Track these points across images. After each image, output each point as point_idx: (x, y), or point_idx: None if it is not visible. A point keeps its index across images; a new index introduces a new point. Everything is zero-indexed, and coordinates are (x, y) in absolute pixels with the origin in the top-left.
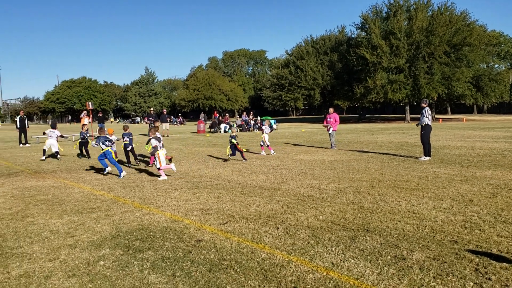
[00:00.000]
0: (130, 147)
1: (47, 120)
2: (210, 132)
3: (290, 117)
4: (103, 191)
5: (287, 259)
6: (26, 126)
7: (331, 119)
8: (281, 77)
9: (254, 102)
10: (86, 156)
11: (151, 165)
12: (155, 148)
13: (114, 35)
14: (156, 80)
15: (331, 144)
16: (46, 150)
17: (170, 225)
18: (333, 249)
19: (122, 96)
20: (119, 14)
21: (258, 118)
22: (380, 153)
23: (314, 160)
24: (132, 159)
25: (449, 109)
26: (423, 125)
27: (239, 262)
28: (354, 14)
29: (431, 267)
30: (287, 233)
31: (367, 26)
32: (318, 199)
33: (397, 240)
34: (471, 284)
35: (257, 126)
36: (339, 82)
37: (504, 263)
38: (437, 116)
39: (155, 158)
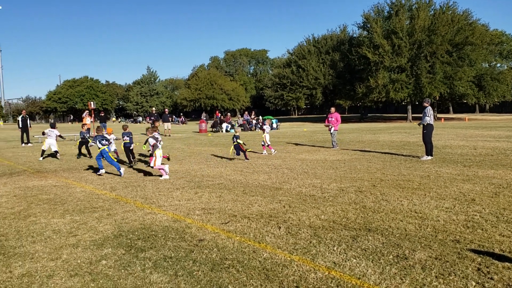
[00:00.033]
0: (132, 146)
1: (49, 120)
2: (212, 131)
3: (292, 116)
4: (105, 191)
5: (289, 258)
6: (28, 125)
7: (333, 119)
8: (282, 76)
9: (256, 101)
10: (88, 156)
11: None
12: (154, 147)
13: (116, 35)
14: (158, 80)
15: (332, 143)
16: (46, 150)
17: (172, 224)
18: (335, 248)
19: (124, 95)
20: (121, 14)
21: (260, 117)
22: (382, 153)
23: (316, 160)
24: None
25: (451, 108)
26: (425, 124)
27: (241, 262)
28: (356, 14)
29: (433, 266)
30: (289, 232)
31: (369, 26)
32: (320, 199)
33: (399, 239)
34: (473, 283)
35: (259, 126)
36: (341, 82)
37: (507, 263)
38: (439, 115)
39: (154, 157)
